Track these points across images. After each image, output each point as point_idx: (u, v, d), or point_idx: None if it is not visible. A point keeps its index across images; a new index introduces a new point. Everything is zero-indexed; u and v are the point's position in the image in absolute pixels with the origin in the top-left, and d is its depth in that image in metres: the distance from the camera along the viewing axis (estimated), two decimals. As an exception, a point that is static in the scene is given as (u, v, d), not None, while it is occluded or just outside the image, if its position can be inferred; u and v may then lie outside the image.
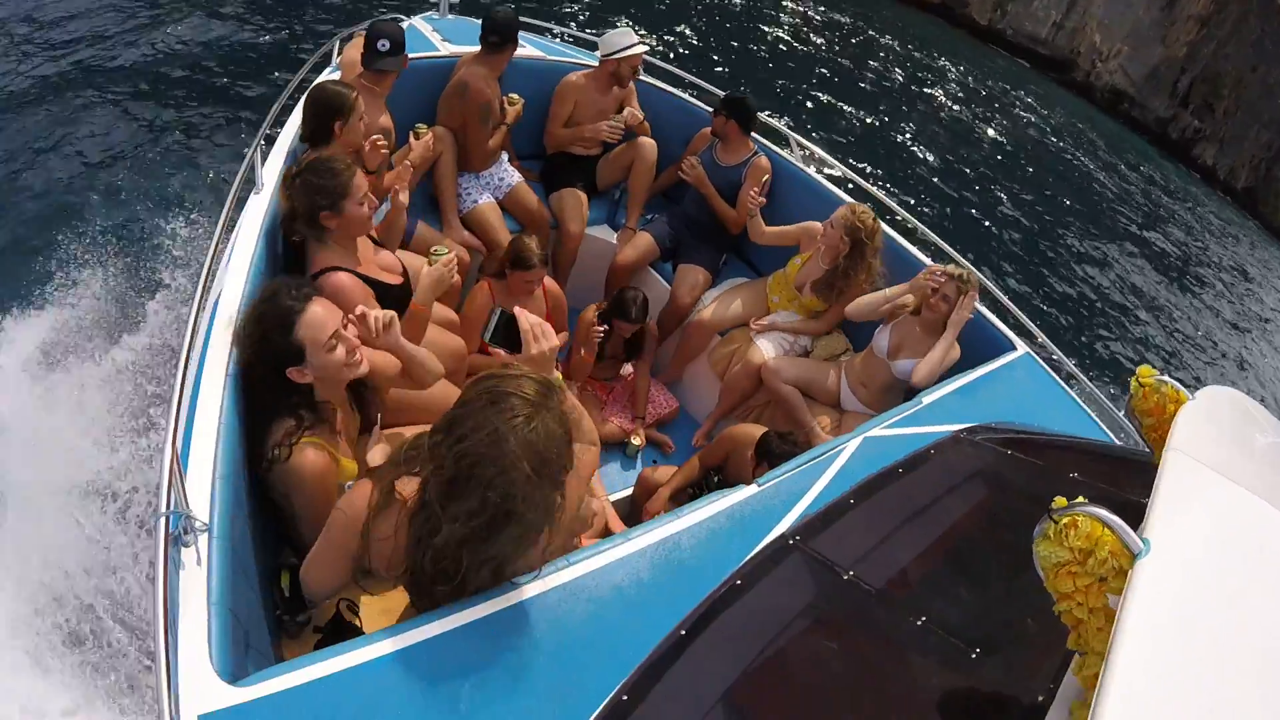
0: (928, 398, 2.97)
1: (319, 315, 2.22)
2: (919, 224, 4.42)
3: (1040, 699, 1.49)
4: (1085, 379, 3.85)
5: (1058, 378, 3.57)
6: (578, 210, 4.40)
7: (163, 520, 1.83)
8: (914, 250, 4.11)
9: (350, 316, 2.33)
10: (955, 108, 15.51)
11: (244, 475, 2.19)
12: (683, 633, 1.76)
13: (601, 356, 4.05)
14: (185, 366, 2.25)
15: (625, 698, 1.61)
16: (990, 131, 15.24)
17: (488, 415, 1.67)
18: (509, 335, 2.66)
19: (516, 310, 2.19)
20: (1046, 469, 2.54)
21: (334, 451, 2.27)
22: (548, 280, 3.81)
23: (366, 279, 2.85)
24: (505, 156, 4.47)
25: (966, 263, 3.85)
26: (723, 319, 4.24)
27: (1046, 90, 20.42)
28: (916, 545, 2.17)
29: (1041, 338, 3.92)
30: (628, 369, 4.23)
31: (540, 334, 2.07)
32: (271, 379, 2.25)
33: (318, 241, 2.77)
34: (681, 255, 4.47)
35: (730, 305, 4.27)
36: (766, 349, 4.01)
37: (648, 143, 4.47)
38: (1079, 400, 3.49)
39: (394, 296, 2.93)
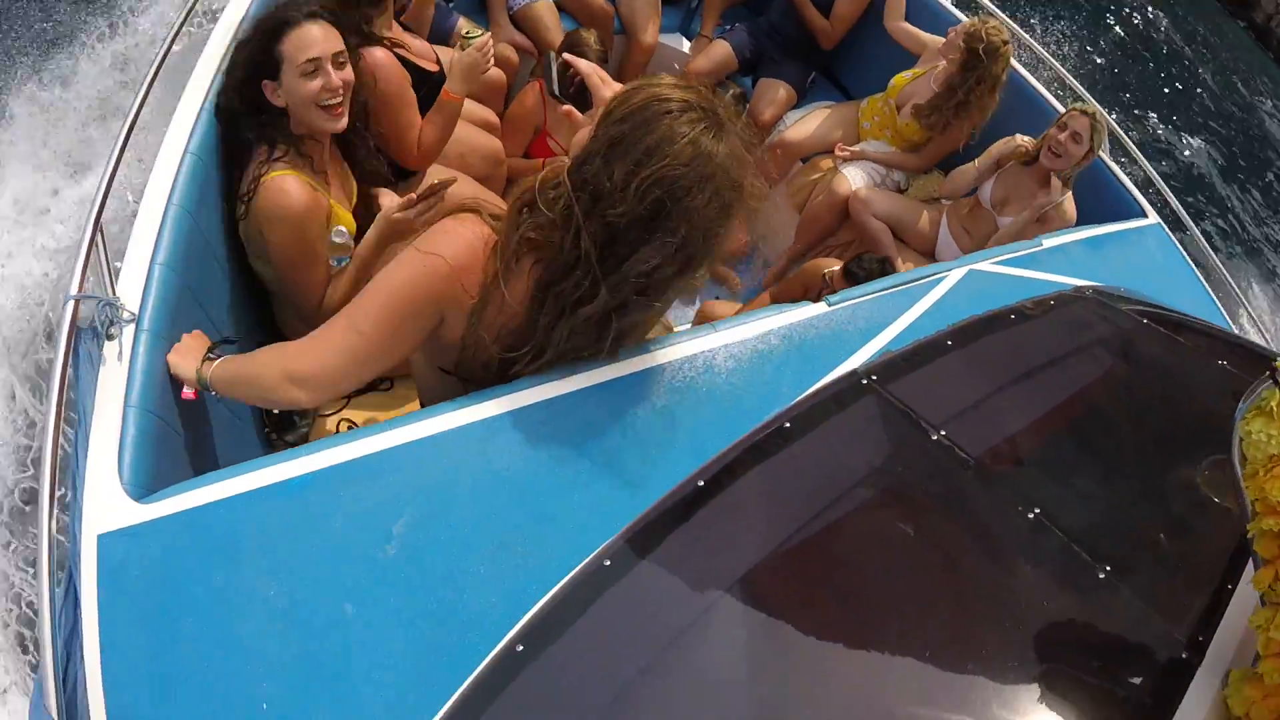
0: (1048, 241, 2.52)
1: (311, 34, 1.93)
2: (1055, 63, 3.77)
3: (1185, 655, 1.16)
4: (1218, 262, 3.33)
5: (1186, 256, 3.07)
6: (651, 14, 3.82)
7: (71, 304, 1.54)
8: (1042, 90, 3.52)
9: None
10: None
11: (214, 262, 1.92)
12: (700, 484, 1.38)
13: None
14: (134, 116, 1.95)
15: (608, 562, 1.27)
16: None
17: (676, 125, 1.26)
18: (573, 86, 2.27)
19: (567, 56, 1.76)
20: (1195, 351, 2.11)
21: (320, 188, 1.98)
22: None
23: (405, 62, 2.51)
24: None
25: (1099, 108, 3.26)
26: (807, 142, 3.73)
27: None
28: (1030, 414, 1.77)
29: (1176, 207, 3.37)
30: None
31: (605, 78, 1.57)
32: (247, 90, 1.97)
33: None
34: (763, 69, 3.93)
35: (816, 127, 3.75)
36: (855, 178, 3.52)
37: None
38: (1206, 286, 3.02)
39: (432, 84, 2.59)
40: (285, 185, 1.91)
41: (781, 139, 3.75)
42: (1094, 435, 1.78)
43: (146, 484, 1.36)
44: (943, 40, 3.43)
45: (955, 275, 2.06)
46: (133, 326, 1.59)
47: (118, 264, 1.70)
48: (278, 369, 1.46)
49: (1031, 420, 1.75)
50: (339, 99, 1.98)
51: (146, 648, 1.15)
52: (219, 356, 1.62)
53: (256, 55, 1.95)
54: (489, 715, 1.11)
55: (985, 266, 2.19)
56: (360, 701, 1.11)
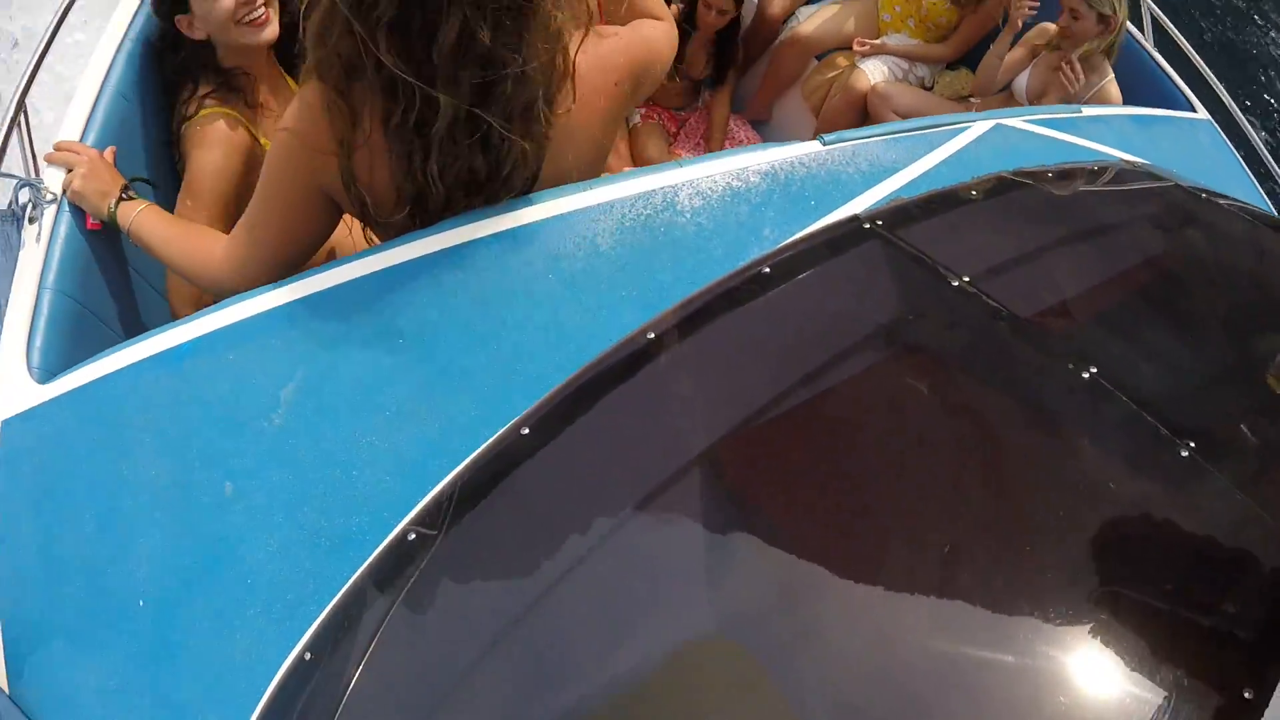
0: (1089, 110, 2.24)
1: None
2: None
3: None
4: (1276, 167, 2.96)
5: (1239, 157, 2.73)
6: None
7: None
8: None
9: None
10: None
11: (146, 151, 1.83)
12: (650, 337, 1.14)
13: (674, 74, 3.36)
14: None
15: (525, 431, 1.05)
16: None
17: None
18: None
19: None
20: (1263, 232, 1.79)
21: (253, 130, 1.79)
22: None
23: None
24: None
25: None
26: (822, 37, 3.42)
27: None
28: (1080, 277, 1.45)
29: (1230, 105, 3.01)
30: (704, 97, 3.52)
31: None
32: (169, 36, 1.80)
33: None
34: (774, -40, 3.62)
35: (832, 21, 3.44)
36: (874, 73, 3.23)
37: None
38: (1261, 191, 2.65)
39: None
40: (220, 128, 1.76)
41: (793, 34, 3.44)
42: (1161, 303, 1.45)
43: (55, 367, 1.32)
44: None
45: (980, 128, 1.78)
46: (54, 208, 1.54)
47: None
48: (206, 255, 1.41)
49: (1082, 282, 1.43)
50: (259, 6, 1.74)
51: (36, 535, 1.10)
52: (131, 198, 1.53)
53: None
54: (375, 609, 0.95)
55: (1016, 123, 1.92)
56: (237, 595, 0.99)
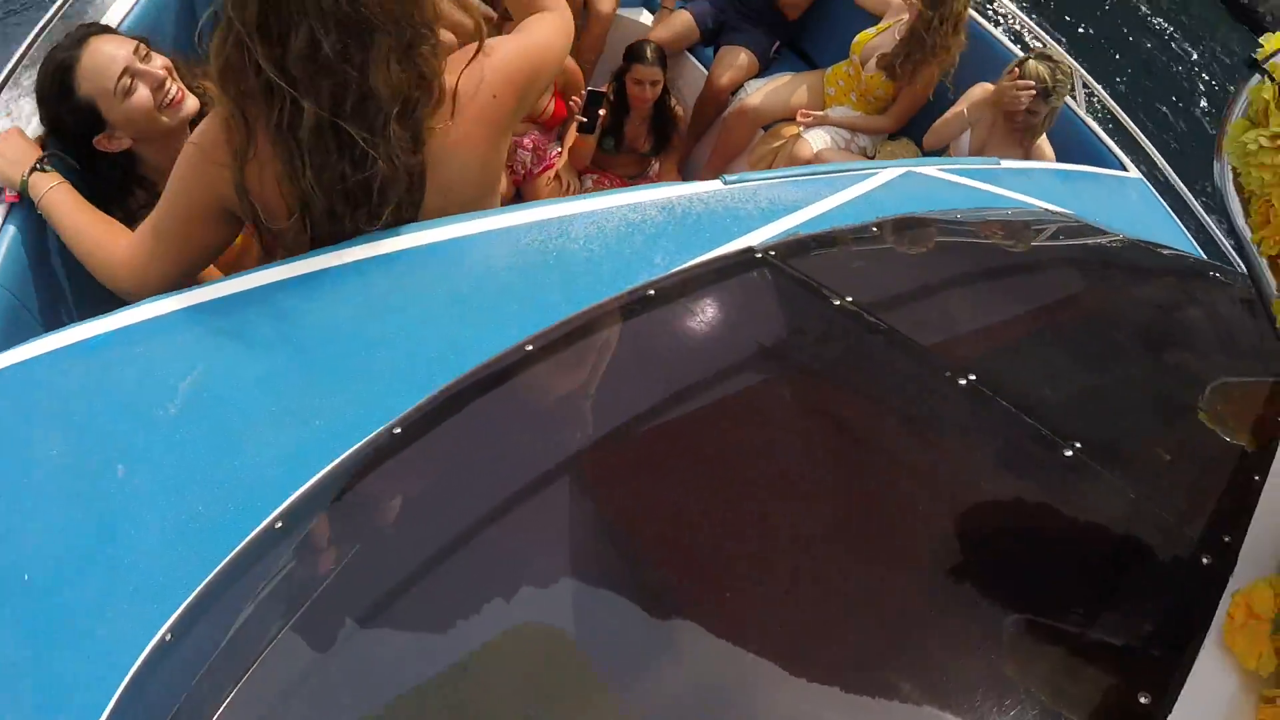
0: (1007, 163, 2.28)
1: (101, 54, 1.65)
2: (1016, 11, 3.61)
3: (1207, 560, 0.87)
4: (1215, 229, 2.95)
5: (1172, 215, 2.71)
6: (608, -16, 3.70)
7: None
8: (1001, 37, 3.35)
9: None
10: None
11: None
12: (529, 349, 1.16)
13: (619, 145, 3.44)
14: None
15: (397, 431, 1.07)
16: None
17: None
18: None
19: None
20: (1186, 272, 1.79)
21: None
22: None
23: None
24: None
25: (1064, 54, 3.06)
26: (768, 108, 3.53)
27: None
28: (969, 299, 1.47)
29: (1162, 164, 3.07)
30: (655, 168, 3.60)
31: None
32: (87, 163, 1.73)
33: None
34: (724, 38, 3.75)
35: (779, 94, 3.55)
36: (817, 142, 3.31)
37: (687, -93, 3.70)
38: (1198, 247, 2.61)
39: None
40: None
41: (741, 105, 3.56)
42: (1054, 325, 1.41)
43: None
44: None
45: (890, 173, 1.79)
46: (4, 207, 1.60)
47: None
48: (109, 249, 1.46)
49: (970, 304, 1.44)
50: (171, 85, 1.72)
51: None
52: (49, 170, 1.58)
53: (72, 122, 1.67)
54: (237, 591, 0.96)
55: (929, 170, 1.95)
56: (118, 575, 1.00)
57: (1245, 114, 0.76)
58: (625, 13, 3.84)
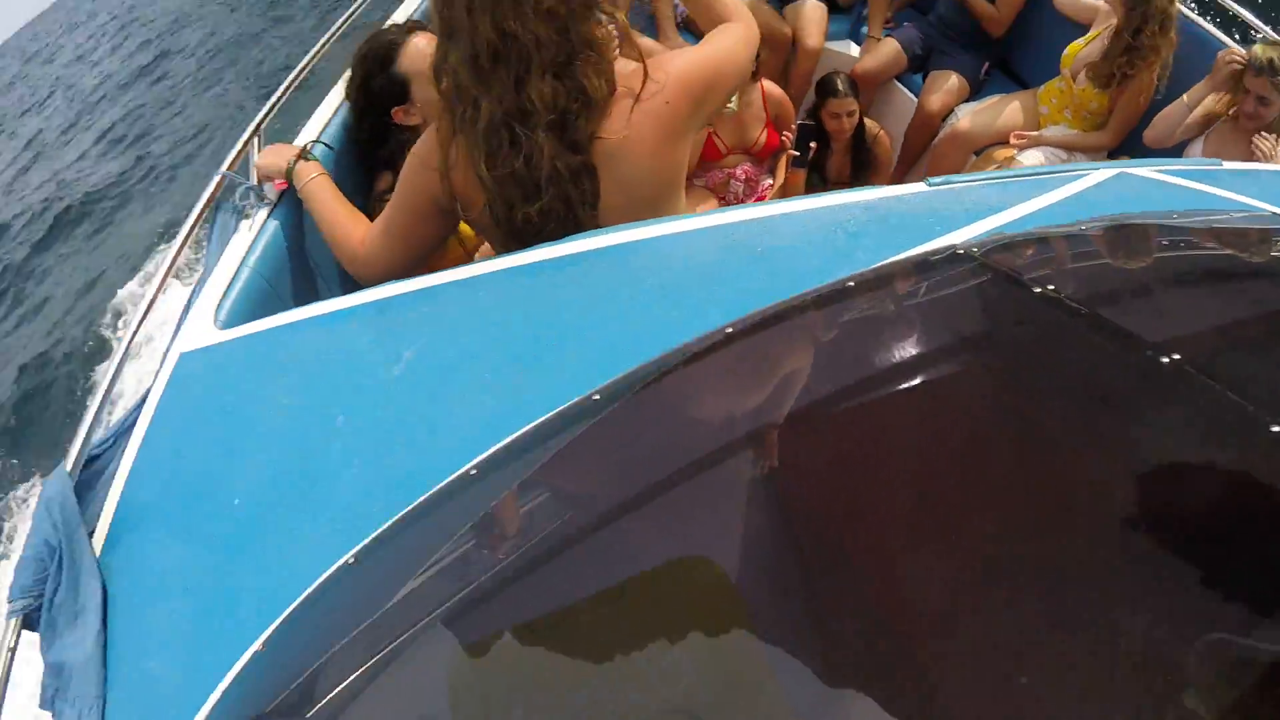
0: (1230, 164, 2.17)
1: (423, 45, 1.98)
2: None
3: None
4: None
5: None
6: (816, 22, 3.82)
7: (218, 178, 1.92)
8: (1219, 34, 3.13)
9: None
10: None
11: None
12: (729, 331, 1.19)
13: (824, 178, 3.53)
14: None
15: (596, 398, 1.14)
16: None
17: None
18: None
19: None
20: None
21: None
22: (768, 84, 3.36)
23: None
24: None
25: None
26: (981, 132, 3.51)
27: None
28: (1180, 295, 1.34)
29: None
30: (862, 194, 3.65)
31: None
32: (379, 128, 2.08)
33: None
34: (933, 64, 3.78)
35: (991, 117, 3.53)
36: (1033, 163, 3.27)
37: (881, -75, 3.79)
38: None
39: None
40: None
41: (953, 130, 3.57)
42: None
43: (236, 324, 1.54)
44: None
45: (1102, 174, 1.75)
46: (267, 210, 1.88)
47: None
48: (351, 236, 1.72)
49: (1185, 302, 1.30)
50: None
51: (177, 441, 1.33)
52: (311, 158, 1.87)
53: (381, 90, 2.03)
54: (423, 529, 1.06)
55: (1144, 172, 1.89)
56: (315, 507, 1.13)
57: None
58: (833, 46, 3.95)
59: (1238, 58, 2.73)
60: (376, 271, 1.68)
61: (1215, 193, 1.91)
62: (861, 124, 3.46)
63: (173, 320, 1.61)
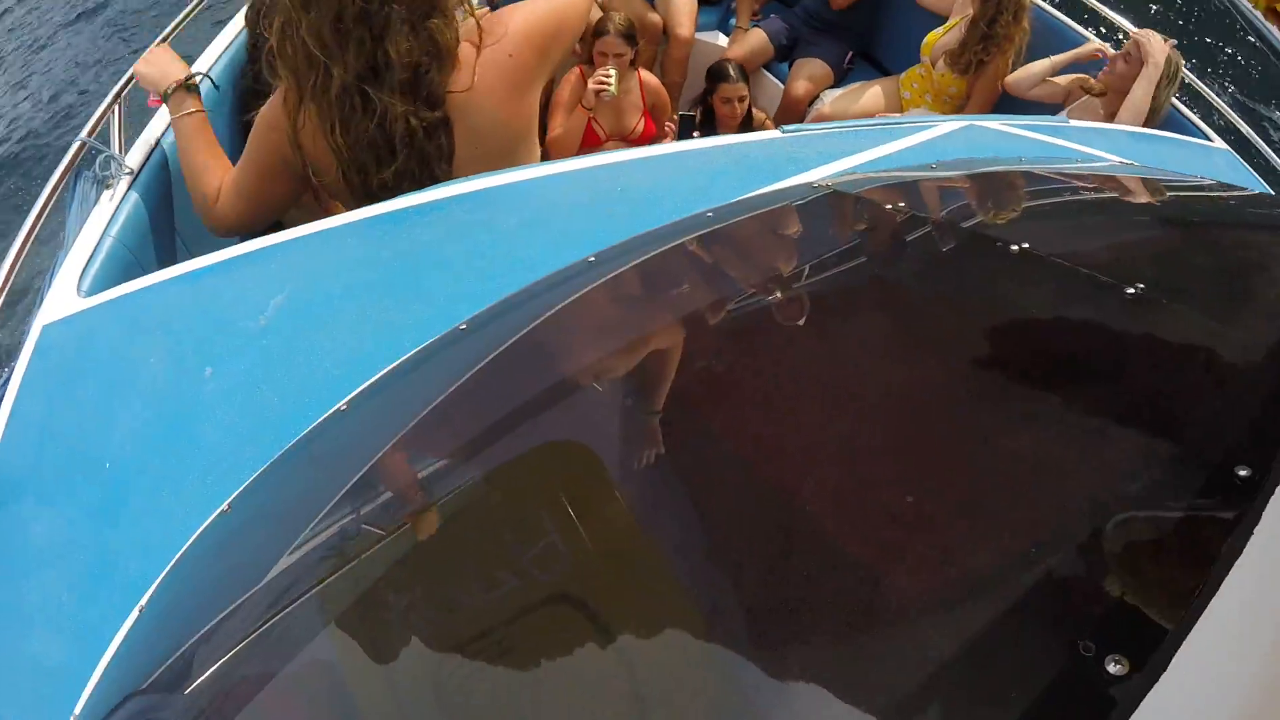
0: (1076, 121, 2.28)
1: None
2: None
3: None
4: None
5: (1266, 185, 2.52)
6: (687, 12, 3.84)
7: (77, 144, 1.89)
8: (1069, 22, 3.31)
9: None
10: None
11: None
12: (590, 259, 1.23)
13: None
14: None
15: (463, 327, 1.17)
16: None
17: None
18: None
19: None
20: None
21: None
22: (645, 74, 3.39)
23: None
24: None
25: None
26: (844, 116, 3.59)
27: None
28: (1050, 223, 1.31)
29: (1249, 133, 2.98)
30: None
31: None
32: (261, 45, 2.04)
33: None
34: (798, 52, 3.87)
35: (853, 101, 3.63)
36: (894, 145, 3.38)
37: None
38: None
39: None
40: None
41: (817, 114, 3.66)
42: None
43: (100, 291, 1.52)
44: None
45: (951, 125, 1.82)
46: (129, 179, 1.86)
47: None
48: (207, 186, 1.68)
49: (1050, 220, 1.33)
50: None
51: (42, 411, 1.30)
52: (194, 93, 1.79)
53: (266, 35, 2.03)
54: (297, 464, 1.07)
55: (992, 124, 1.97)
56: (191, 457, 1.13)
57: None
58: (703, 36, 4.00)
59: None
60: (228, 226, 1.66)
61: (1064, 144, 2.00)
62: (750, 111, 3.51)
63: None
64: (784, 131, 1.65)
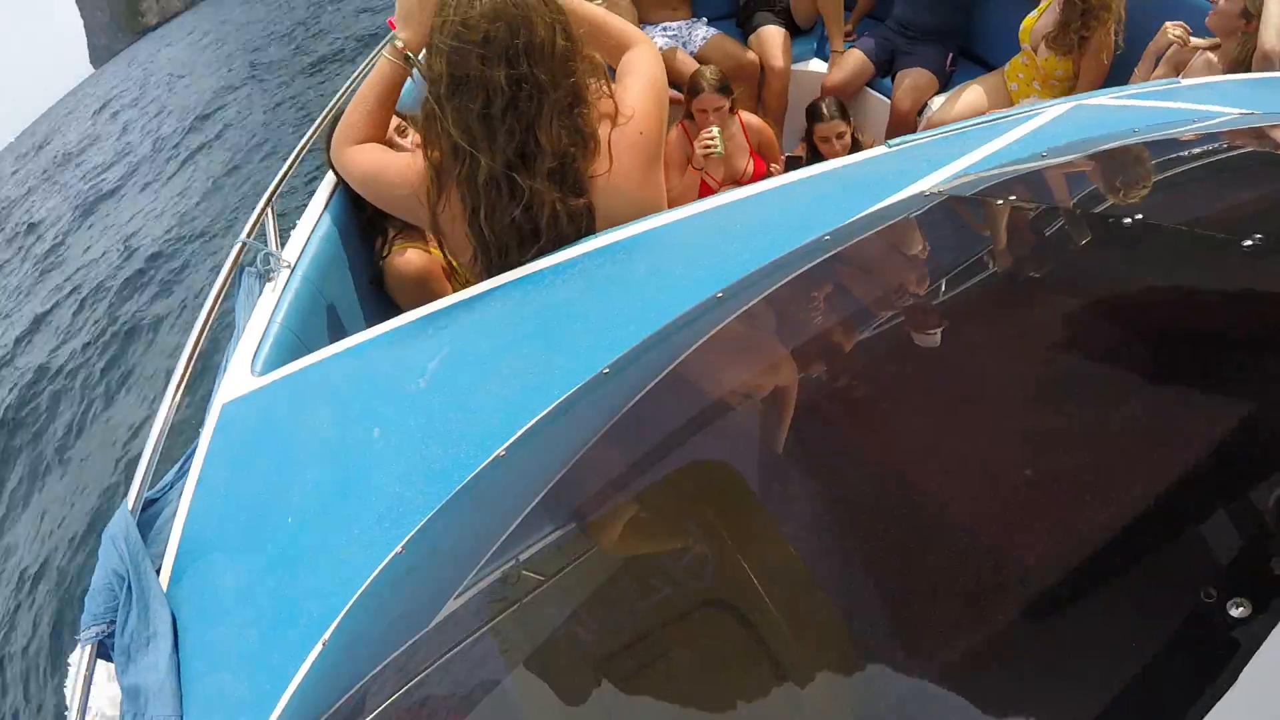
0: (1187, 80, 2.21)
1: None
2: None
3: None
4: None
5: None
6: (779, 44, 3.98)
7: (238, 246, 2.07)
8: None
9: None
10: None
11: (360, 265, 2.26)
12: (718, 297, 1.28)
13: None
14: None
15: (606, 370, 1.23)
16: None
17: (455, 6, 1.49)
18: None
19: None
20: None
21: (439, 253, 2.17)
22: (746, 116, 3.48)
23: None
24: (695, 16, 4.18)
25: None
26: (956, 118, 3.54)
27: None
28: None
29: None
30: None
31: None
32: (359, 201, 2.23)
33: None
34: (899, 65, 3.90)
35: (963, 103, 3.61)
36: (1010, 139, 3.34)
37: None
38: None
39: None
40: (410, 259, 2.18)
41: (928, 121, 3.66)
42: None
43: (272, 370, 1.66)
44: None
45: (1056, 110, 1.79)
46: (287, 271, 2.03)
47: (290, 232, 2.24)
48: (353, 129, 1.80)
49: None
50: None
51: (229, 477, 1.43)
52: (412, 64, 1.81)
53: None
54: (464, 507, 1.14)
55: (1099, 100, 1.94)
56: (365, 504, 1.22)
57: None
58: (800, 66, 4.09)
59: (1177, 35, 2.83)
60: (339, 163, 1.82)
61: (1178, 106, 1.95)
62: (856, 143, 3.53)
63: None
64: (889, 146, 1.68)
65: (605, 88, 1.62)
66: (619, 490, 1.07)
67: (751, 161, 3.51)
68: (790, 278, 1.33)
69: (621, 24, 1.77)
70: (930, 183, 1.51)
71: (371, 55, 2.24)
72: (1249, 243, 0.87)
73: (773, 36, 3.96)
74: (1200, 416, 0.75)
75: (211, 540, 1.37)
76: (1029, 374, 0.96)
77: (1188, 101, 1.96)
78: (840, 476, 0.93)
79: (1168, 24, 2.89)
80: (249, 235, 2.12)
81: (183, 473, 1.49)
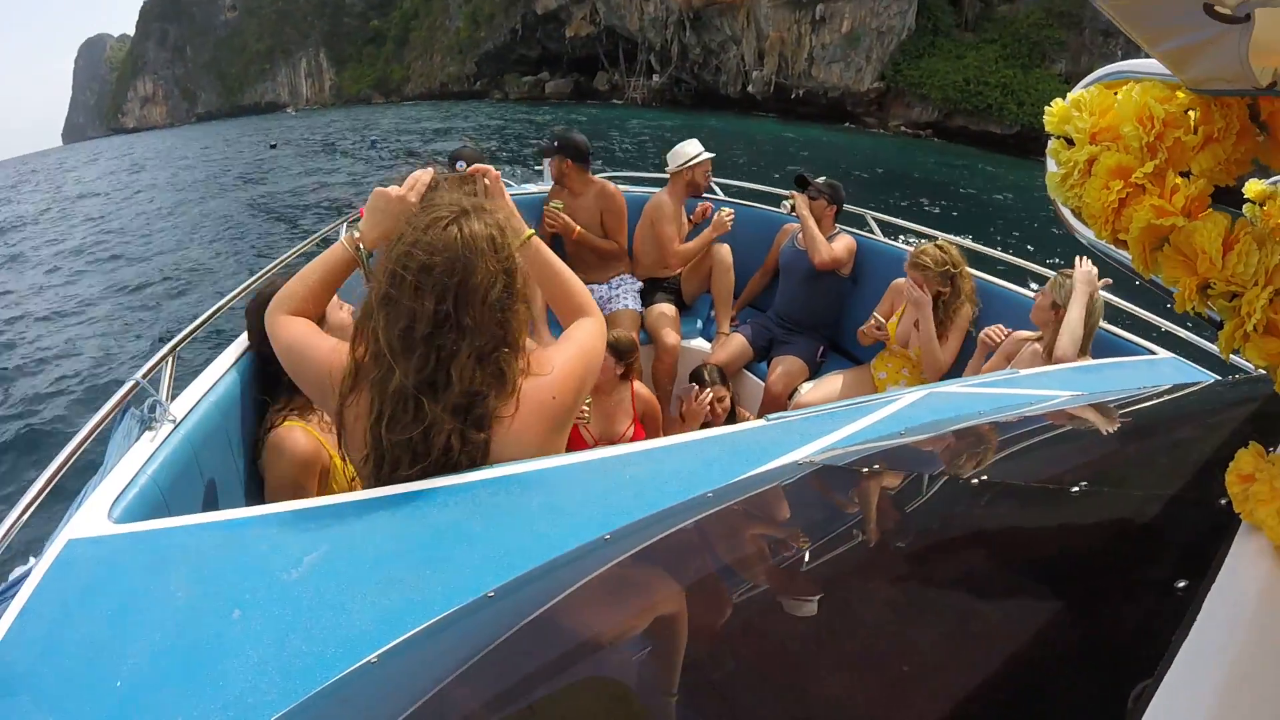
0: (1025, 371, 2.52)
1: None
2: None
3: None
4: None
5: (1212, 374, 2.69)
6: (670, 322, 4.34)
7: (130, 383, 2.03)
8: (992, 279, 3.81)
9: None
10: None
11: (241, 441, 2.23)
12: (605, 538, 1.35)
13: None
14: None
15: (490, 594, 1.26)
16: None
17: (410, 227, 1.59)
18: None
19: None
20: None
21: (328, 445, 2.15)
22: (637, 385, 3.70)
23: None
24: (629, 274, 4.60)
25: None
26: (821, 403, 3.86)
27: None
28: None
29: (1190, 337, 3.10)
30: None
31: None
32: (266, 363, 2.27)
33: None
34: (775, 351, 4.28)
35: (830, 390, 3.95)
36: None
37: (721, 247, 4.41)
38: None
39: None
40: (298, 438, 2.14)
41: (796, 404, 3.95)
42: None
43: (130, 521, 1.58)
44: (894, 281, 3.90)
45: (915, 394, 2.05)
46: (170, 425, 1.99)
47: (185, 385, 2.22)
48: (291, 301, 1.84)
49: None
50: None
51: (57, 615, 1.30)
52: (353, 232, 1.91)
53: (255, 326, 2.31)
54: (324, 707, 1.10)
55: (951, 388, 2.20)
56: (214, 687, 1.14)
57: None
58: (688, 343, 4.43)
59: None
60: (269, 326, 1.81)
61: (1019, 393, 2.20)
62: (734, 408, 3.77)
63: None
64: (767, 420, 1.86)
65: (529, 341, 1.69)
66: (495, 714, 1.07)
67: (633, 427, 3.68)
68: (676, 528, 1.41)
69: (586, 295, 1.90)
70: (804, 453, 1.68)
71: (321, 233, 2.31)
72: (1076, 489, 1.03)
73: (664, 320, 4.31)
74: (1041, 639, 0.80)
75: (21, 678, 1.22)
76: (893, 616, 0.99)
77: (1023, 388, 2.25)
78: None
79: (985, 330, 3.34)
80: (143, 376, 2.08)
81: (6, 596, 1.36)
